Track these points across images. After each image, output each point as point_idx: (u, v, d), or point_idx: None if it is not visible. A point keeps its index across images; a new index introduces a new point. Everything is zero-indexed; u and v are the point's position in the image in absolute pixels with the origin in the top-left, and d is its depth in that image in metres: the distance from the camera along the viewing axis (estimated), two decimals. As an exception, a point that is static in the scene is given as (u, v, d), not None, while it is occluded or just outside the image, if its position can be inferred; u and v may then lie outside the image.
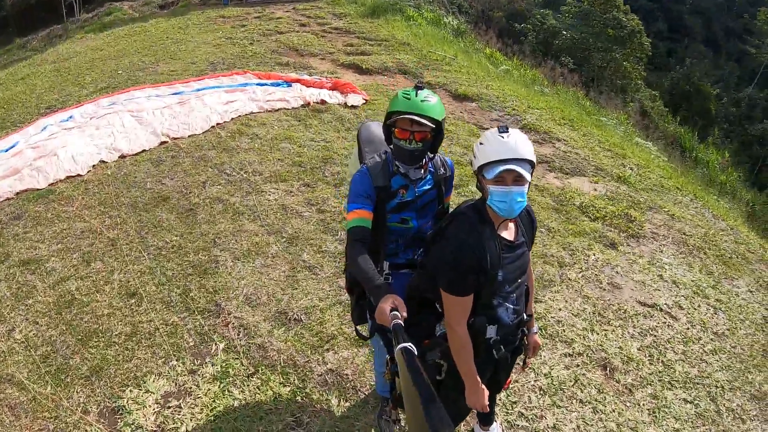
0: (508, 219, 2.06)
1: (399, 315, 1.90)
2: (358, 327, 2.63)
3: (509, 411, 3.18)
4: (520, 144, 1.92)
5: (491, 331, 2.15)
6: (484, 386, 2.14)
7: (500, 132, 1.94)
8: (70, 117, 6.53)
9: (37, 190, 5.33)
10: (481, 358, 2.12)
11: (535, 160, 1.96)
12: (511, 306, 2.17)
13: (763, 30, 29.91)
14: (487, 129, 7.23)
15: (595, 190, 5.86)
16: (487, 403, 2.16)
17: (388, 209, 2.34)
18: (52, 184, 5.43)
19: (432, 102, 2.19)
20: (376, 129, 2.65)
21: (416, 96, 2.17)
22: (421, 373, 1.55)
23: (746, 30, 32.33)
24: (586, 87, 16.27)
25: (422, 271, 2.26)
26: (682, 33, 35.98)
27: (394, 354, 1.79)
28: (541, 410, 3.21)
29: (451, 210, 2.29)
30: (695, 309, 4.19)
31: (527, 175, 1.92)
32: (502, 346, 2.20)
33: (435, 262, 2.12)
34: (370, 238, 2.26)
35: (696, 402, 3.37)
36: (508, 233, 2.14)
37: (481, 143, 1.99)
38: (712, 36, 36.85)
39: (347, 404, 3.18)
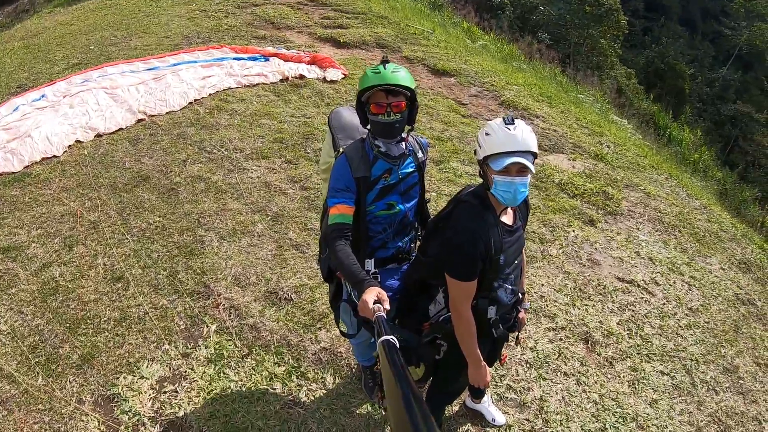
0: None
1: (382, 307, 1.91)
2: (340, 326, 2.64)
3: (498, 384, 3.31)
4: (526, 136, 1.97)
5: (491, 312, 2.24)
6: (485, 364, 2.23)
7: (506, 123, 1.98)
8: (43, 96, 6.28)
9: (13, 173, 5.15)
10: (481, 338, 2.20)
11: (537, 152, 2.01)
12: (510, 286, 2.26)
13: (739, 12, 30.41)
14: (466, 104, 7.31)
15: (574, 167, 5.97)
16: (489, 380, 2.25)
17: (370, 200, 2.32)
18: (28, 166, 5.25)
19: (401, 73, 2.19)
20: (348, 115, 2.63)
21: (385, 69, 2.17)
22: (403, 367, 1.54)
23: (723, 11, 32.82)
24: (563, 63, 16.35)
25: (422, 258, 2.31)
26: (658, 12, 36.25)
27: (374, 344, 1.80)
28: (528, 383, 3.34)
29: (427, 192, 2.30)
30: (671, 285, 4.36)
31: (531, 167, 1.97)
32: (500, 325, 2.28)
33: (440, 248, 2.16)
34: (351, 233, 2.25)
35: (672, 374, 3.56)
36: (508, 218, 2.21)
37: (487, 134, 2.01)
38: (688, 16, 37.29)
39: (342, 381, 3.25)
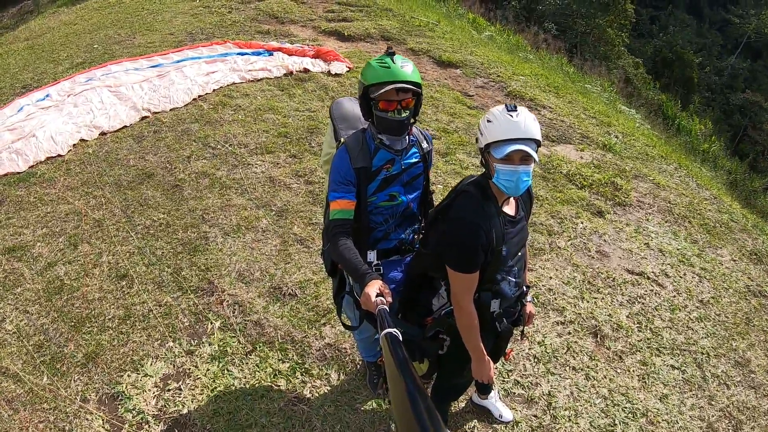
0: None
1: (384, 300, 1.90)
2: (343, 319, 2.61)
3: (505, 379, 3.26)
4: (528, 123, 1.90)
5: (495, 305, 2.19)
6: (489, 359, 2.19)
7: (509, 110, 1.91)
8: (47, 95, 6.29)
9: (18, 173, 5.16)
10: (484, 332, 2.16)
11: (541, 140, 1.95)
12: (513, 279, 2.21)
13: (747, 0, 29.96)
14: (472, 96, 7.23)
15: (582, 158, 5.89)
16: (493, 375, 2.21)
17: (371, 191, 2.28)
18: (33, 166, 5.26)
19: (409, 67, 2.12)
20: (350, 105, 2.58)
21: (394, 63, 2.09)
22: (406, 359, 1.54)
23: (730, -1, 32.41)
24: (570, 53, 16.18)
25: (424, 250, 2.27)
26: (665, 0, 35.78)
27: (379, 340, 1.79)
28: (536, 378, 3.29)
29: (433, 185, 2.26)
30: (681, 277, 4.29)
31: (534, 155, 1.91)
32: (504, 319, 2.24)
33: (441, 240, 2.11)
34: (352, 228, 2.23)
35: (683, 368, 3.50)
36: (510, 208, 2.15)
37: (489, 120, 1.95)
38: (695, 4, 36.79)
39: (347, 378, 3.22)
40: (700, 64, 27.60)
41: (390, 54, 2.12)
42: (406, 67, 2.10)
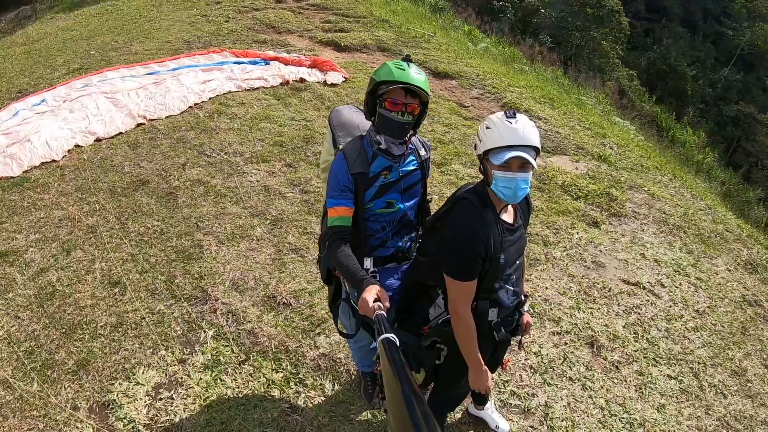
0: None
1: (382, 306, 1.89)
2: (339, 327, 2.60)
3: (502, 390, 3.23)
4: (528, 130, 1.90)
5: (493, 314, 2.17)
6: (487, 368, 2.16)
7: (508, 117, 1.91)
8: (43, 101, 6.28)
9: (11, 178, 5.13)
10: (482, 341, 2.13)
11: (540, 147, 1.95)
12: (511, 288, 2.19)
13: (740, 13, 30.34)
14: (468, 107, 7.26)
15: (577, 168, 5.91)
16: (490, 385, 2.19)
17: (368, 198, 2.27)
18: (27, 171, 5.23)
19: (423, 77, 2.15)
20: (349, 113, 2.59)
21: (409, 68, 2.12)
22: (403, 365, 1.52)
23: (724, 12, 32.71)
24: (565, 65, 16.30)
25: (422, 258, 2.25)
26: (659, 13, 36.08)
27: (377, 345, 1.78)
28: (533, 388, 3.27)
29: (428, 195, 2.27)
30: (677, 287, 4.29)
31: (533, 162, 1.90)
32: (502, 328, 2.22)
33: (438, 248, 2.10)
34: (350, 235, 2.22)
35: (680, 378, 3.48)
36: (508, 216, 2.14)
37: (487, 127, 1.95)
38: (689, 17, 37.02)
39: (341, 388, 3.18)
40: (694, 76, 27.79)
41: (407, 60, 2.15)
42: (419, 75, 2.13)
